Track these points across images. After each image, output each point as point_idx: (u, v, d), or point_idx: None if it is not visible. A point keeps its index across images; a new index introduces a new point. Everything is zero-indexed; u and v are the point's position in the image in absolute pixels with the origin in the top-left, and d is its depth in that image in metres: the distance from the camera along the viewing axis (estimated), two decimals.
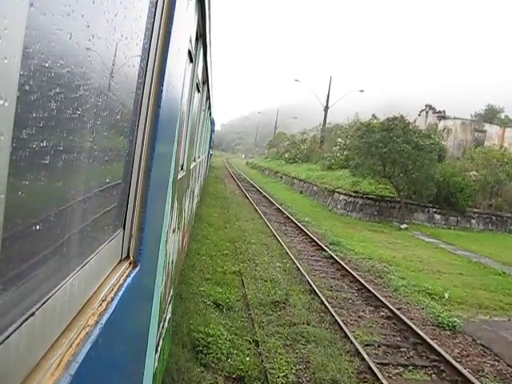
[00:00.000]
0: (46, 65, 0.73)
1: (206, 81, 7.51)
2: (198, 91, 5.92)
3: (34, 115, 0.69)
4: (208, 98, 10.15)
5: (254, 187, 32.42)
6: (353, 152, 24.87)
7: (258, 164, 61.81)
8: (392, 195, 23.05)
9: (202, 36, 4.65)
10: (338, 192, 25.00)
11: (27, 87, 0.65)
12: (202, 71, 5.88)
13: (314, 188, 29.31)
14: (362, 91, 40.78)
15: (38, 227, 0.74)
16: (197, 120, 6.58)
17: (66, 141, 0.87)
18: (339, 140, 33.22)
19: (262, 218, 18.13)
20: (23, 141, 0.66)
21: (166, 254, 3.02)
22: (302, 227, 16.65)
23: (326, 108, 41.24)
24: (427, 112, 40.33)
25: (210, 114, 15.42)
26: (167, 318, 3.97)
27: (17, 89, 0.60)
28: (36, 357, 0.75)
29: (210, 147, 28.77)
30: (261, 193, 28.88)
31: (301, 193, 31.29)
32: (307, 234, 15.52)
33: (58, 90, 0.78)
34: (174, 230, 3.83)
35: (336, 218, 22.03)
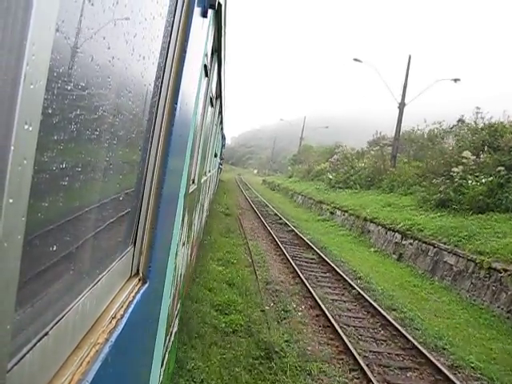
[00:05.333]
0: (68, 88, 0.75)
1: (219, 95, 7.57)
2: (212, 106, 5.97)
3: (56, 138, 0.71)
4: (220, 112, 10.23)
5: (305, 242, 16.38)
6: None
7: (282, 184, 45.69)
8: None
9: (217, 50, 4.69)
10: None
11: (50, 110, 0.67)
12: (215, 86, 5.93)
13: (447, 258, 13.10)
14: (456, 80, 24.56)
15: (54, 248, 0.76)
16: (209, 134, 6.63)
17: (80, 161, 0.88)
18: (467, 154, 18.02)
19: None
20: (43, 163, 0.67)
21: (175, 268, 3.02)
22: None
23: (402, 104, 25.38)
24: None
25: (222, 129, 15.52)
26: (174, 331, 3.95)
27: (40, 113, 0.61)
28: (48, 376, 0.75)
29: (220, 163, 28.45)
30: (335, 272, 12.15)
31: (398, 259, 15.51)
32: None
33: (78, 112, 0.80)
34: (183, 244, 3.83)
35: None
